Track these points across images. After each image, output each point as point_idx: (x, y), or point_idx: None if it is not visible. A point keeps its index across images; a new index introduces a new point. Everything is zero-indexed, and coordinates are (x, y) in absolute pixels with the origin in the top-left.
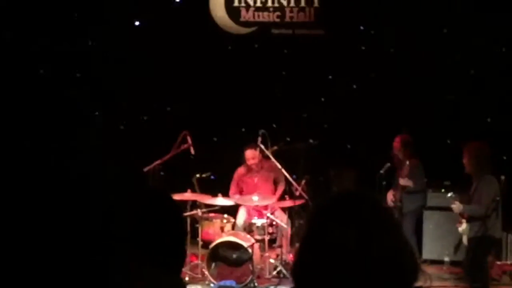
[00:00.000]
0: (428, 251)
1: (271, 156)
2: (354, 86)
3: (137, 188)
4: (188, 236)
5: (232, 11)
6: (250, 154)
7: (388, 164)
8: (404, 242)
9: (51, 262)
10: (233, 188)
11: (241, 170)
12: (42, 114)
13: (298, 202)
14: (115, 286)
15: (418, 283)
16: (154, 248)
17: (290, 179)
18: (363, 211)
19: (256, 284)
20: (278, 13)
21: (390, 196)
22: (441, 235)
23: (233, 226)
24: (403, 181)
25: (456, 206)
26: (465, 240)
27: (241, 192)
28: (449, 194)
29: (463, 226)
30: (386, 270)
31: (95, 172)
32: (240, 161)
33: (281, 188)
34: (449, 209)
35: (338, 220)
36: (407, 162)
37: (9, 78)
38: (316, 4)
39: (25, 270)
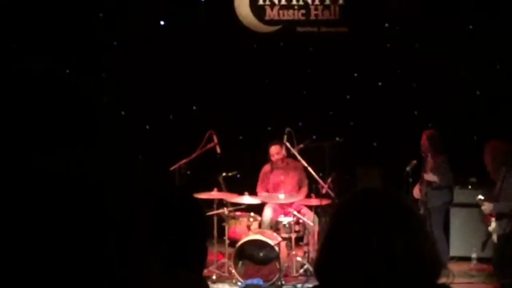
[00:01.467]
0: (455, 248)
1: (297, 154)
2: (380, 83)
3: (157, 187)
4: (215, 235)
5: (257, 10)
6: (275, 150)
7: (415, 161)
8: (427, 239)
9: (68, 266)
10: (259, 186)
11: (266, 167)
12: (59, 116)
13: (325, 200)
14: (135, 287)
15: (441, 280)
16: (174, 247)
17: (316, 177)
18: (385, 208)
19: (283, 282)
20: (303, 11)
21: (416, 191)
22: (468, 232)
23: (260, 225)
24: (427, 176)
25: (487, 207)
26: (495, 238)
27: (266, 190)
28: (479, 196)
29: (492, 225)
30: (409, 268)
31: (114, 171)
32: (266, 158)
33: (304, 190)
34: (475, 205)
35: (360, 218)
36: (432, 158)
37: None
38: (340, 1)
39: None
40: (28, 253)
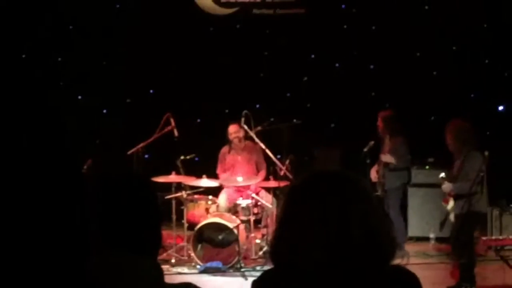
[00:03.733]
0: (414, 228)
1: (254, 137)
2: (337, 65)
3: (110, 172)
4: (174, 218)
5: None
6: (233, 129)
7: (372, 142)
8: (383, 221)
9: (26, 256)
10: (219, 168)
11: (224, 149)
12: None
13: (283, 182)
14: (89, 274)
15: (397, 261)
16: (127, 233)
17: (274, 159)
18: (342, 190)
19: (242, 264)
20: None
21: (373, 173)
22: (426, 212)
23: (218, 208)
24: (384, 157)
25: (446, 186)
26: (452, 217)
27: (224, 171)
28: (441, 175)
29: (450, 204)
30: (364, 248)
31: (65, 158)
32: (224, 141)
33: (263, 173)
34: (433, 186)
35: (316, 200)
36: (388, 139)
37: None
38: None
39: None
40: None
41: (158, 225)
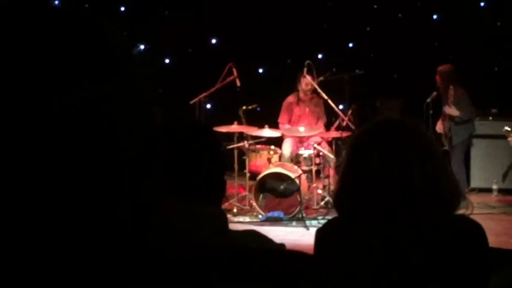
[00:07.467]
0: (476, 180)
1: (317, 87)
2: (400, 15)
3: (174, 121)
4: (236, 168)
5: None
6: (307, 80)
7: (435, 93)
8: (446, 170)
9: (82, 205)
10: (282, 117)
11: (291, 98)
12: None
13: (345, 133)
14: (153, 224)
15: (460, 211)
16: (192, 181)
17: (337, 109)
18: (404, 138)
19: (304, 214)
20: None
21: (439, 126)
22: (489, 163)
23: (280, 157)
24: (448, 110)
25: None
26: None
27: (289, 121)
28: (505, 128)
29: None
30: (427, 197)
31: (130, 107)
32: (286, 91)
33: (321, 123)
34: (496, 137)
35: (379, 148)
36: (451, 92)
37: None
38: None
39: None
40: (40, 190)
41: (222, 173)
